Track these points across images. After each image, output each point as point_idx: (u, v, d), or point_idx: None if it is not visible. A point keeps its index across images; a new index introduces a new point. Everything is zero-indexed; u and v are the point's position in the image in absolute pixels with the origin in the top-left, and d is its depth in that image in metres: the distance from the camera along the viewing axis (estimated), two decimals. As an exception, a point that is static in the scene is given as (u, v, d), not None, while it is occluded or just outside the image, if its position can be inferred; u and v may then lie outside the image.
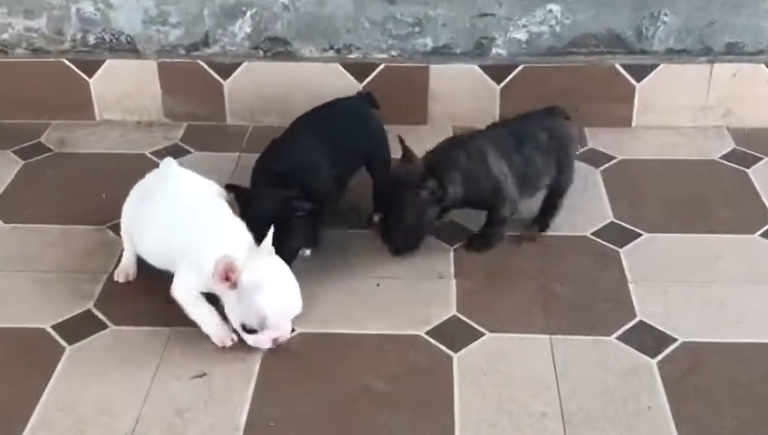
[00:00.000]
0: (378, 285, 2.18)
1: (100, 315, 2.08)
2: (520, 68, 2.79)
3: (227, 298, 1.88)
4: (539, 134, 2.25)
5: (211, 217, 2.01)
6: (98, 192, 2.55)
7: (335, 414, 1.81)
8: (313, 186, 2.15)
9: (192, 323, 1.97)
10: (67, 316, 2.07)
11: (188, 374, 1.90)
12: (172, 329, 2.02)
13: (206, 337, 1.96)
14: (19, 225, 2.42)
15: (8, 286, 2.18)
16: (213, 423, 1.79)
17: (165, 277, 2.01)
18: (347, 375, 1.91)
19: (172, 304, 2.00)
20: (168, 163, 2.16)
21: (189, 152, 2.76)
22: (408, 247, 2.23)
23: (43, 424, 1.79)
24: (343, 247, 2.31)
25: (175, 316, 2.01)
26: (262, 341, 1.91)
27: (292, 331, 1.96)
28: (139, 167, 2.64)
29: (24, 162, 2.71)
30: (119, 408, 1.82)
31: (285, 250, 2.03)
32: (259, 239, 1.97)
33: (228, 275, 1.83)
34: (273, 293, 1.87)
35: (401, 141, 2.21)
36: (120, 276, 2.16)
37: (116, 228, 2.37)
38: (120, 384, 1.88)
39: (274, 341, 1.91)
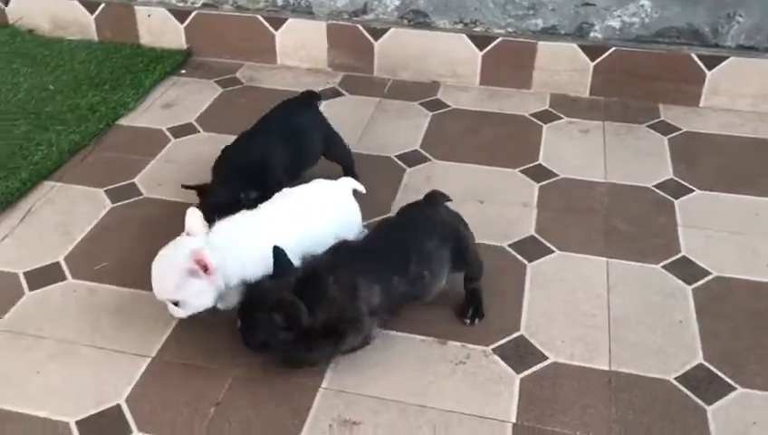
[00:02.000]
0: (481, 202, 2.17)
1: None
2: (612, 50, 2.67)
3: None
4: (426, 243, 1.64)
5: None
6: (273, 117, 2.63)
7: (430, 295, 1.84)
8: (264, 176, 1.92)
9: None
10: (241, 202, 2.17)
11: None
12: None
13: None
14: (214, 134, 2.51)
15: (204, 176, 2.26)
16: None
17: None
18: (443, 269, 1.93)
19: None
20: (344, 182, 1.90)
21: (343, 95, 2.79)
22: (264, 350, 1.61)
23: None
24: (452, 175, 2.30)
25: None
26: None
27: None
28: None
29: (222, 90, 2.81)
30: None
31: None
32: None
33: None
34: (152, 270, 1.64)
35: (276, 252, 1.59)
36: None
37: (283, 143, 2.46)
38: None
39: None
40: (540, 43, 2.72)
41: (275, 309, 1.51)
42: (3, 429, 1.50)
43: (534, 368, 1.64)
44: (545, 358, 1.67)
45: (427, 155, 2.40)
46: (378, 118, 2.62)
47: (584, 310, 1.79)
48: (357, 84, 2.85)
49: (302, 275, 1.56)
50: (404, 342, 1.71)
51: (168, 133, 2.51)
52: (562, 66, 2.73)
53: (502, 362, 1.66)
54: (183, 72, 2.92)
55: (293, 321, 1.51)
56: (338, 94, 2.79)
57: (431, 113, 2.64)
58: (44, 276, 1.88)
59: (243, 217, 1.72)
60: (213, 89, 2.81)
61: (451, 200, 1.78)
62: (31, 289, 1.84)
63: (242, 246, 1.65)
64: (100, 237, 2.03)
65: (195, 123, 2.58)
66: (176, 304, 1.63)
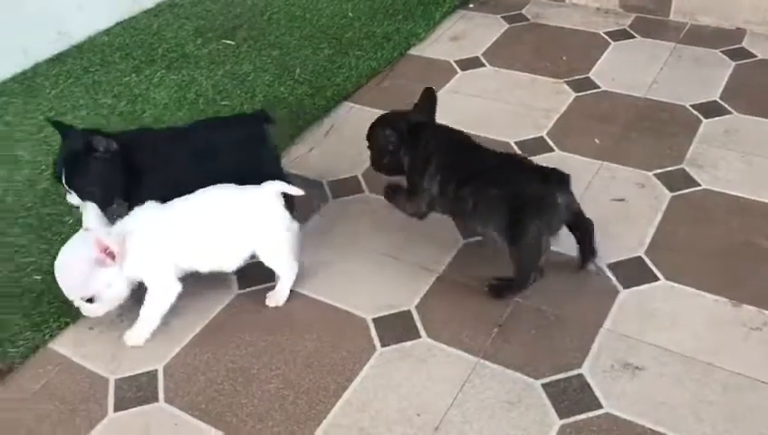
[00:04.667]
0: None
1: (551, 143, 2.17)
2: None
3: None
4: (492, 188, 1.60)
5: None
6: (559, 55, 2.60)
7: (723, 258, 1.75)
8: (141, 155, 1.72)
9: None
10: (527, 138, 2.19)
11: (611, 197, 1.94)
12: (602, 163, 2.06)
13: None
14: (500, 69, 2.55)
15: (490, 109, 2.34)
16: (625, 234, 1.83)
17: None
18: (736, 230, 1.82)
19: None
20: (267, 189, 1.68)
21: (634, 37, 2.67)
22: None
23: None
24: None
25: (604, 152, 2.05)
26: None
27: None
28: (592, 42, 2.66)
29: (508, 26, 2.82)
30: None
31: (80, 191, 1.67)
32: (59, 178, 1.67)
33: None
34: (56, 272, 1.58)
35: (429, 93, 1.83)
36: None
37: (571, 84, 2.42)
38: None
39: None
40: None
41: (386, 125, 1.75)
42: (311, 314, 1.70)
43: None
44: None
45: (728, 107, 2.24)
46: (672, 64, 2.49)
47: None
48: (650, 27, 2.71)
49: (421, 120, 1.76)
50: (694, 298, 1.65)
51: (455, 65, 2.59)
52: None
53: (806, 336, 1.54)
54: (471, 6, 2.98)
55: (395, 139, 1.73)
56: (628, 37, 2.68)
57: (734, 63, 2.45)
58: (344, 188, 2.06)
59: (150, 211, 1.64)
60: (499, 24, 2.84)
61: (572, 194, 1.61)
62: (334, 197, 2.04)
63: (147, 239, 1.59)
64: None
65: (481, 57, 2.63)
66: (89, 300, 1.58)
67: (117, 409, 1.51)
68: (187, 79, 2.56)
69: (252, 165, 1.76)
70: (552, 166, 1.61)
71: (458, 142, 1.73)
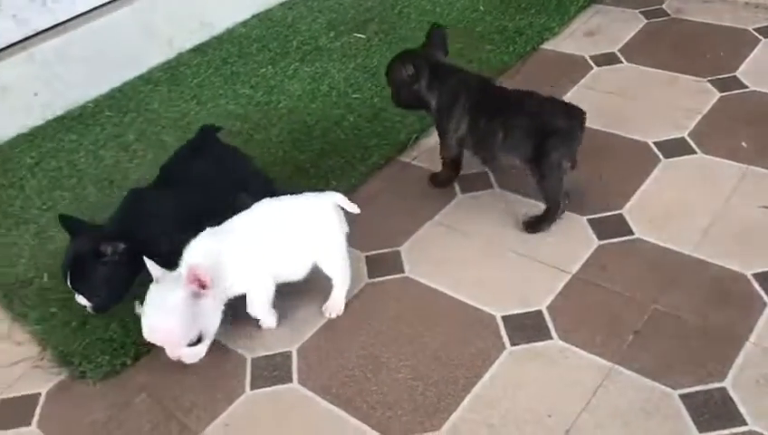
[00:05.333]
0: None
1: (693, 144, 2.08)
2: None
3: None
4: (521, 120, 1.81)
5: None
6: (702, 53, 2.48)
7: None
8: (152, 243, 1.67)
9: None
10: (667, 138, 2.11)
11: (758, 203, 1.84)
12: (748, 168, 1.96)
13: None
14: (638, 66, 2.47)
15: (627, 107, 2.26)
16: (774, 244, 1.74)
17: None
18: None
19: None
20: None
21: (787, 34, 2.53)
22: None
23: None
24: None
25: (752, 156, 1.95)
26: None
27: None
28: (740, 39, 2.53)
29: (646, 21, 2.72)
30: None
31: (87, 296, 1.66)
32: (65, 279, 1.65)
33: None
34: (144, 314, 1.54)
35: (439, 30, 2.00)
36: None
37: (715, 83, 2.32)
38: (700, 191, 1.91)
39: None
40: None
41: (404, 60, 1.91)
42: (440, 308, 1.71)
43: None
44: None
45: None
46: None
47: None
48: (805, 24, 2.56)
49: (440, 59, 1.94)
50: None
51: (590, 61, 2.53)
52: None
53: None
54: (607, 0, 2.90)
55: (416, 72, 1.89)
56: (780, 34, 2.54)
57: None
58: (474, 183, 2.06)
59: (213, 232, 1.63)
60: (637, 19, 2.74)
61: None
62: (462, 192, 2.04)
63: (224, 255, 1.59)
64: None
65: (617, 53, 2.56)
66: (197, 341, 1.57)
67: (253, 387, 1.59)
68: (320, 71, 2.63)
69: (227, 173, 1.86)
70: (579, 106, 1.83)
71: (482, 82, 1.93)
